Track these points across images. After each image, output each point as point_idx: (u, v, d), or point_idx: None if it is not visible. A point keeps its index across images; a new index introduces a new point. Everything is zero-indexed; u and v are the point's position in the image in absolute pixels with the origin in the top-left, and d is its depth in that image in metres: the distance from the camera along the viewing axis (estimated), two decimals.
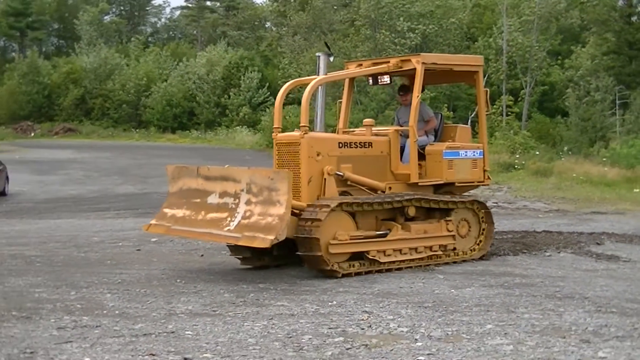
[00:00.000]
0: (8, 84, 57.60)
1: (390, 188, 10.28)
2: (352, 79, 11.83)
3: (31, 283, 8.84)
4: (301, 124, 9.75)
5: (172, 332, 6.55)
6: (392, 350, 6.02)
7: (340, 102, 11.78)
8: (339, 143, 10.09)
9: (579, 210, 17.81)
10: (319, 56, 11.04)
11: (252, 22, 68.02)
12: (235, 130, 47.53)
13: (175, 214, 9.84)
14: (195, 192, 9.65)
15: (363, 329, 6.70)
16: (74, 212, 18.12)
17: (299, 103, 11.81)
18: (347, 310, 7.42)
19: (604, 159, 28.35)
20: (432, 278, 9.27)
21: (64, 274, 9.49)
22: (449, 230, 10.31)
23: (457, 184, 10.83)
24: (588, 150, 32.31)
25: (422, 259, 10.01)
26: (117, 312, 7.35)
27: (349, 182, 9.99)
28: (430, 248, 10.10)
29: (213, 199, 9.38)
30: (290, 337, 6.42)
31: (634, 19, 46.24)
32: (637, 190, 21.73)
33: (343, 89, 12.05)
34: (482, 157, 11.02)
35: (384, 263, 9.59)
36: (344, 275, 9.26)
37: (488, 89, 11.49)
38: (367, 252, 9.45)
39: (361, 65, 11.28)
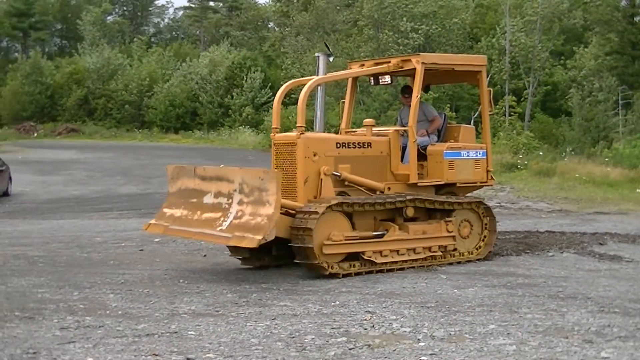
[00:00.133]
0: (11, 85, 57.62)
1: (389, 188, 10.26)
2: (354, 79, 11.83)
3: (34, 283, 8.85)
4: (297, 124, 9.76)
5: (175, 332, 6.56)
6: (394, 350, 6.02)
7: (343, 102, 11.80)
8: (337, 143, 10.08)
9: (581, 210, 17.79)
10: (318, 56, 11.04)
11: (255, 22, 68.05)
12: (238, 130, 47.52)
13: (173, 213, 9.89)
14: (193, 192, 9.70)
15: (366, 329, 6.70)
16: (77, 212, 18.14)
17: None
18: (349, 311, 7.42)
19: (607, 159, 28.32)
20: (435, 278, 9.27)
21: (66, 274, 9.51)
22: (449, 231, 10.28)
23: (458, 185, 10.80)
24: (591, 151, 32.27)
25: (421, 259, 9.98)
26: (120, 312, 7.36)
27: (346, 183, 9.99)
28: (430, 249, 10.07)
29: (208, 199, 9.44)
30: (293, 337, 6.43)
31: (637, 19, 46.20)
32: None
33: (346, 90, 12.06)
34: (485, 157, 10.98)
35: (381, 264, 9.57)
36: (344, 276, 9.27)
37: (491, 89, 11.46)
38: (363, 252, 9.45)
39: (363, 65, 11.28)
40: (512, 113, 39.96)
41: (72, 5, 76.89)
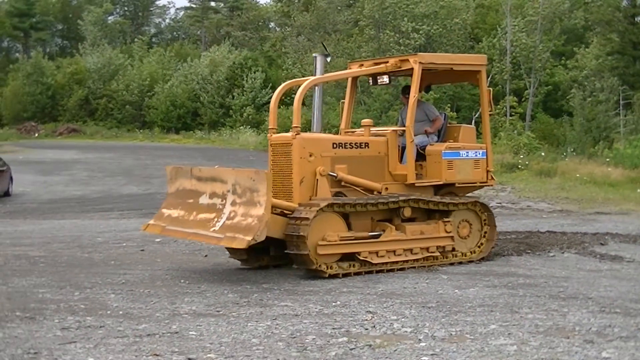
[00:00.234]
0: (12, 85, 57.67)
1: (387, 189, 10.23)
2: (354, 80, 11.82)
3: (35, 283, 8.86)
4: (293, 125, 9.76)
5: (176, 333, 6.56)
6: (395, 350, 6.02)
7: (343, 102, 11.79)
8: (333, 144, 10.07)
9: (582, 210, 17.79)
10: (315, 57, 11.03)
11: (256, 22, 68.02)
12: (239, 130, 47.52)
13: (171, 214, 9.93)
14: (190, 192, 9.73)
15: (367, 329, 6.70)
16: (78, 212, 18.15)
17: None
18: (350, 311, 7.42)
19: (608, 159, 28.31)
20: (436, 278, 9.27)
21: (67, 274, 9.51)
22: (447, 232, 10.25)
23: (457, 185, 10.76)
24: (592, 151, 32.26)
25: (420, 259, 9.96)
26: (120, 312, 7.36)
27: (343, 183, 9.98)
28: (427, 249, 10.05)
29: (204, 200, 9.48)
30: (294, 337, 6.43)
31: (638, 19, 46.22)
32: None
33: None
34: (484, 157, 10.92)
35: (377, 264, 9.56)
36: (344, 275, 9.27)
37: (491, 89, 11.44)
38: (358, 253, 9.44)
39: (362, 65, 11.28)
40: (513, 113, 39.95)
41: (73, 5, 76.93)
